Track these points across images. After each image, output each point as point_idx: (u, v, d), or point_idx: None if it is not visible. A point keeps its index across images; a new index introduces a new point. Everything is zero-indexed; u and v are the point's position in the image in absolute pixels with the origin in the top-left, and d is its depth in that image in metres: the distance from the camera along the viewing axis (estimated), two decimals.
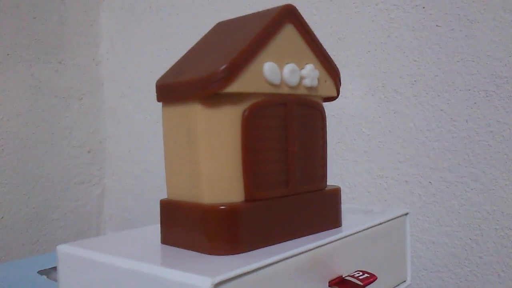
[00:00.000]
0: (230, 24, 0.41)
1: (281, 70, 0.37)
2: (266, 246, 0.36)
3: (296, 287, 0.35)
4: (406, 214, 0.50)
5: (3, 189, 0.90)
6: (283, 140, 0.38)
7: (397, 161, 0.67)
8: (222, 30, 0.41)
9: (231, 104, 0.35)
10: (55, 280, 0.57)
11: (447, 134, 0.64)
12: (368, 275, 0.40)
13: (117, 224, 1.06)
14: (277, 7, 0.38)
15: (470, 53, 0.62)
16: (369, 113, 0.70)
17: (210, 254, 0.35)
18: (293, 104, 0.39)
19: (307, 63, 0.40)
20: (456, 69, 0.63)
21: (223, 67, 0.34)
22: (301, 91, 0.39)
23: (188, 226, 0.36)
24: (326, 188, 0.42)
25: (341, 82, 0.68)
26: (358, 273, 0.40)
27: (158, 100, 0.38)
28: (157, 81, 0.38)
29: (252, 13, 0.41)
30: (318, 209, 0.41)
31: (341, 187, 0.71)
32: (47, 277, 0.61)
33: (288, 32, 0.38)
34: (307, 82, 0.39)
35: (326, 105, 0.44)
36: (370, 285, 0.39)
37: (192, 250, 0.36)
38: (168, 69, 0.41)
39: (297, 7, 0.75)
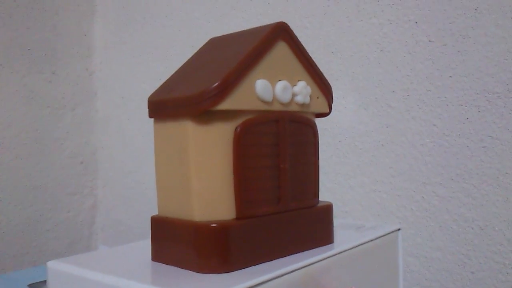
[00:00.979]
0: (223, 41, 0.42)
1: (273, 87, 0.38)
2: (257, 264, 0.36)
3: None
4: (398, 229, 0.50)
5: None
6: (275, 157, 0.38)
7: (390, 175, 0.68)
8: (215, 46, 0.41)
9: (223, 121, 0.35)
10: None
11: (440, 149, 0.64)
12: None
13: (109, 235, 1.05)
14: (270, 25, 0.38)
15: (462, 68, 0.62)
16: (362, 127, 0.70)
17: (200, 272, 0.35)
18: (285, 121, 0.39)
19: (299, 80, 0.40)
20: (448, 84, 0.63)
21: (215, 84, 0.34)
22: (293, 108, 0.39)
23: (179, 243, 0.36)
24: (318, 205, 0.42)
25: (334, 95, 0.68)
26: None
27: (150, 116, 0.38)
28: (149, 97, 0.38)
29: (245, 30, 0.41)
30: (310, 226, 0.41)
31: (334, 201, 0.71)
32: None
33: (281, 49, 0.38)
34: (299, 99, 0.39)
35: (319, 119, 0.44)
36: None
37: (182, 268, 0.36)
38: (160, 84, 0.41)
39: (291, 21, 0.75)
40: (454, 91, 0.63)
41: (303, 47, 0.40)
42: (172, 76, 0.40)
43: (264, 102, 0.37)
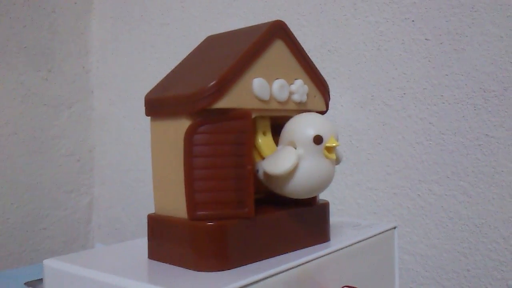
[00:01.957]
0: (220, 39, 0.42)
1: (270, 85, 0.38)
2: (254, 262, 0.36)
3: None
4: (395, 228, 0.50)
5: None
6: (239, 157, 0.37)
7: (386, 173, 0.68)
8: (212, 44, 0.41)
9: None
10: None
11: (436, 147, 0.64)
12: None
13: (105, 233, 1.05)
14: (267, 23, 0.38)
15: (458, 66, 0.62)
16: (358, 125, 0.70)
17: (197, 271, 0.35)
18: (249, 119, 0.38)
19: (296, 79, 0.40)
20: (445, 82, 0.63)
21: (212, 83, 0.34)
22: (290, 107, 0.39)
23: (176, 242, 0.36)
24: (315, 203, 0.42)
25: (331, 93, 0.68)
26: None
27: (147, 115, 0.38)
28: (146, 96, 0.38)
29: (242, 28, 0.41)
30: (307, 224, 0.41)
31: (330, 199, 0.71)
32: None
33: (278, 48, 0.38)
34: (296, 97, 0.39)
35: None
36: None
37: (179, 266, 0.36)
38: (157, 82, 0.41)
39: (288, 19, 0.75)
40: (450, 89, 0.63)
41: (300, 45, 0.40)
42: (169, 74, 0.40)
43: (261, 100, 0.37)
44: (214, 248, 0.34)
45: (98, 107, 1.06)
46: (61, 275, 0.37)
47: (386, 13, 0.67)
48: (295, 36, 0.40)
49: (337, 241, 0.43)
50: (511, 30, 0.59)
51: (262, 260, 0.37)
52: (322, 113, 0.44)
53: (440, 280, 0.64)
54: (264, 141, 0.40)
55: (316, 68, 0.42)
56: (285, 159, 0.36)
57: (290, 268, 0.36)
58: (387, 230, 0.48)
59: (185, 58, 0.42)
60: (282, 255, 0.38)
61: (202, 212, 0.35)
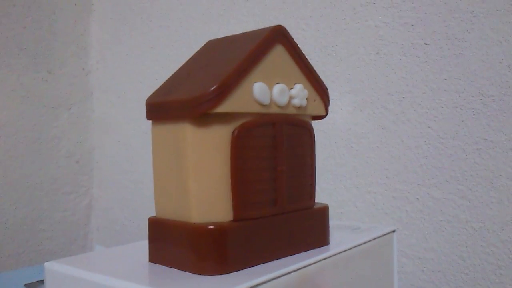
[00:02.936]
0: (221, 43, 0.42)
1: (270, 90, 0.38)
2: (254, 265, 0.36)
3: None
4: (394, 231, 0.50)
5: None
6: (272, 160, 0.38)
7: (385, 177, 0.68)
8: (213, 48, 0.42)
9: (221, 124, 0.35)
10: None
11: (435, 151, 0.64)
12: None
13: (104, 235, 1.05)
14: (268, 28, 0.39)
15: (457, 71, 0.62)
16: (357, 129, 0.70)
17: (198, 274, 0.35)
18: (282, 124, 0.39)
19: (296, 83, 0.40)
20: (443, 87, 0.63)
21: (213, 87, 0.34)
22: (290, 111, 0.40)
23: (176, 245, 0.36)
24: (314, 207, 0.42)
25: (330, 97, 0.69)
26: None
27: (148, 119, 0.38)
28: (147, 100, 0.38)
29: (243, 33, 0.41)
30: (306, 227, 0.41)
31: (329, 202, 0.71)
32: None
33: (278, 53, 0.39)
34: (296, 102, 0.40)
35: (315, 120, 0.44)
36: None
37: (180, 270, 0.36)
38: (157, 84, 0.41)
39: (288, 23, 0.76)
40: (449, 93, 0.63)
41: (301, 50, 0.41)
42: (170, 78, 0.41)
43: (262, 105, 0.37)
44: (214, 251, 0.35)
45: (98, 108, 1.06)
46: (62, 278, 0.38)
47: (386, 17, 0.67)
48: (295, 39, 0.40)
49: (336, 244, 0.43)
50: (510, 35, 0.59)
51: (262, 263, 0.37)
52: (322, 117, 0.44)
53: (438, 283, 0.64)
54: None
55: (316, 73, 0.42)
56: None
57: (290, 272, 0.36)
58: (386, 234, 0.49)
59: (185, 62, 0.42)
60: (282, 259, 0.38)
61: (247, 212, 0.36)
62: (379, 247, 0.48)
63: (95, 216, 1.06)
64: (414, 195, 0.66)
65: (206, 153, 0.35)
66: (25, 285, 0.62)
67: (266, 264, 0.37)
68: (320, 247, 0.42)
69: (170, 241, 0.37)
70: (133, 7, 0.99)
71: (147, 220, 0.39)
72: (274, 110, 0.38)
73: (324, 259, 0.40)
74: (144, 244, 0.41)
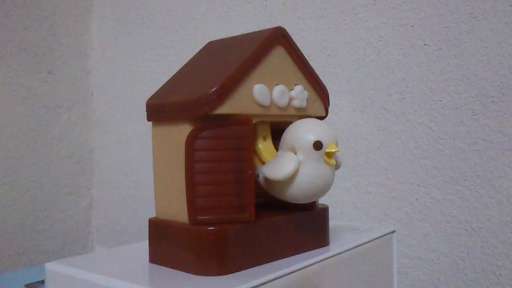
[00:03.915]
0: (221, 44, 0.42)
1: (270, 91, 0.38)
2: (254, 266, 0.37)
3: None
4: (393, 232, 0.50)
5: None
6: (239, 163, 0.37)
7: (385, 178, 0.68)
8: (213, 50, 0.42)
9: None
10: None
11: (434, 152, 0.64)
12: None
13: (104, 235, 1.05)
14: (268, 29, 0.39)
15: (457, 72, 0.62)
16: (357, 129, 0.70)
17: (197, 275, 0.35)
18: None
19: (296, 85, 0.40)
20: (443, 87, 0.63)
21: (214, 89, 0.34)
22: (290, 112, 0.40)
23: (176, 246, 0.36)
24: (314, 207, 0.43)
25: (330, 98, 0.69)
26: None
27: (149, 120, 0.38)
28: (148, 101, 0.39)
29: (243, 34, 0.41)
30: (306, 228, 0.41)
31: (329, 202, 0.71)
32: None
33: (278, 54, 0.39)
34: (296, 103, 0.40)
35: None
36: None
37: (180, 270, 0.36)
38: (157, 84, 0.41)
39: (288, 24, 0.76)
40: (449, 94, 0.63)
41: (301, 52, 0.41)
42: (170, 79, 0.41)
43: (262, 106, 0.37)
44: (214, 252, 0.35)
45: (98, 109, 1.06)
46: (63, 278, 0.38)
47: (386, 18, 0.68)
48: (295, 40, 0.40)
49: (336, 245, 0.43)
50: (510, 36, 0.59)
51: (262, 264, 0.37)
52: (322, 118, 0.44)
53: (438, 283, 0.64)
54: (264, 146, 0.40)
55: (316, 74, 0.42)
56: (285, 165, 0.37)
57: (290, 273, 0.36)
58: (385, 234, 0.49)
59: (186, 64, 0.42)
60: (282, 260, 0.38)
61: (203, 217, 0.35)
62: (379, 248, 0.48)
63: (95, 216, 1.07)
64: (414, 195, 0.66)
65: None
66: (26, 285, 0.62)
67: (266, 265, 0.37)
68: (320, 247, 0.42)
69: (170, 242, 0.37)
70: (133, 8, 0.99)
71: (148, 220, 0.39)
72: (274, 111, 0.38)
73: (324, 259, 0.40)
74: (145, 245, 0.42)
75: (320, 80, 0.42)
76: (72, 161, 1.02)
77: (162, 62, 0.94)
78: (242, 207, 0.36)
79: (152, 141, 0.39)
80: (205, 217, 0.35)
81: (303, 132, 0.38)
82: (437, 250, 0.65)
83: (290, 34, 0.40)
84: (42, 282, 0.58)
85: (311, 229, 0.42)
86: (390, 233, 0.50)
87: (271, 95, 0.38)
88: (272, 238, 0.38)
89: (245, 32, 0.42)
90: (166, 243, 0.37)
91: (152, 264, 0.38)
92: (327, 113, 0.44)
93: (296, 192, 0.38)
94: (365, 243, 0.45)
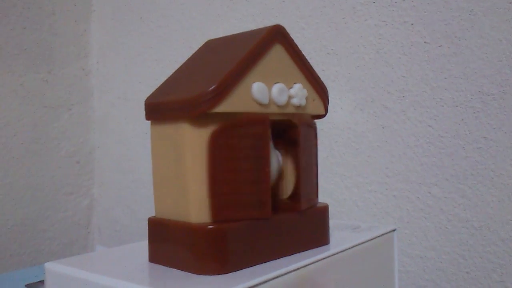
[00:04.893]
0: (219, 43, 0.42)
1: (269, 89, 0.38)
2: (254, 265, 0.36)
3: None
4: (394, 230, 0.50)
5: None
6: (258, 160, 0.37)
7: (386, 176, 0.68)
8: (211, 48, 0.42)
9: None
10: None
11: (435, 150, 0.64)
12: None
13: (105, 235, 1.05)
14: (266, 27, 0.39)
15: (457, 70, 0.62)
16: (358, 128, 0.70)
17: (197, 274, 0.35)
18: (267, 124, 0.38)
19: (295, 83, 0.40)
20: (443, 85, 0.63)
21: (212, 87, 0.34)
22: (290, 110, 0.40)
23: (176, 245, 0.36)
24: (315, 206, 0.42)
25: (330, 96, 0.69)
26: None
27: (147, 119, 0.38)
28: (146, 100, 0.38)
29: (241, 32, 0.41)
30: (306, 227, 0.41)
31: (330, 201, 0.71)
32: None
33: (277, 52, 0.39)
34: (295, 101, 0.40)
35: (315, 120, 0.44)
36: None
37: (180, 270, 0.36)
38: (157, 84, 0.41)
39: (287, 22, 0.75)
40: (449, 92, 0.63)
41: (299, 49, 0.40)
42: (168, 78, 0.41)
43: (261, 104, 0.37)
44: (214, 251, 0.35)
45: (98, 108, 1.06)
46: (63, 278, 0.38)
47: (385, 16, 0.67)
48: (294, 38, 0.40)
49: (336, 244, 0.43)
50: (510, 33, 0.59)
51: (262, 263, 0.37)
52: (321, 117, 0.44)
53: (439, 282, 0.64)
54: None
55: (315, 72, 0.42)
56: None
57: (290, 272, 0.36)
58: (386, 233, 0.49)
59: (184, 63, 0.42)
60: (282, 259, 0.38)
61: (224, 214, 0.35)
62: (379, 246, 0.48)
63: (96, 216, 1.06)
64: (415, 194, 0.66)
65: (205, 153, 0.35)
66: (26, 285, 0.62)
67: (266, 263, 0.37)
68: (320, 246, 0.42)
69: (169, 241, 0.37)
70: (132, 8, 0.99)
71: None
72: (273, 109, 0.38)
73: (325, 258, 0.40)
74: (144, 244, 0.41)
75: (320, 78, 0.42)
76: (73, 161, 1.02)
77: (162, 61, 0.94)
78: (260, 204, 0.37)
79: (151, 140, 0.39)
80: (226, 214, 0.36)
81: None
82: (438, 249, 0.64)
83: (289, 33, 0.40)
84: (43, 282, 0.58)
85: (311, 228, 0.41)
86: (391, 231, 0.49)
87: (270, 93, 0.38)
88: (272, 237, 0.38)
89: (244, 31, 0.42)
90: (166, 242, 0.37)
91: (152, 263, 0.38)
92: (327, 111, 0.44)
93: None
94: (366, 241, 0.45)
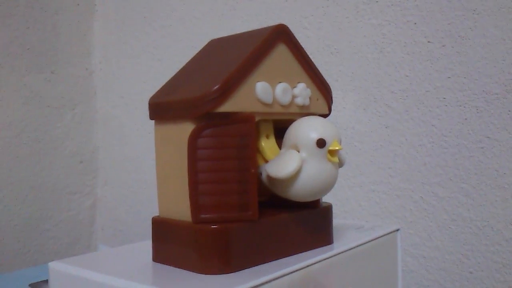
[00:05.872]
0: (223, 42, 0.42)
1: (273, 89, 0.38)
2: (257, 265, 0.36)
3: None
4: (397, 230, 0.50)
5: None
6: (243, 160, 0.37)
7: (389, 176, 0.68)
8: (215, 48, 0.42)
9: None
10: None
11: (438, 150, 0.64)
12: None
13: (109, 235, 1.05)
14: (270, 27, 0.39)
15: (461, 69, 0.62)
16: (361, 127, 0.70)
17: (201, 273, 0.35)
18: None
19: (299, 82, 0.40)
20: (447, 85, 0.63)
21: (216, 87, 0.34)
22: (293, 110, 0.40)
23: (180, 244, 0.36)
24: (318, 206, 0.42)
25: (334, 96, 0.69)
26: None
27: (151, 118, 0.38)
28: (150, 99, 0.38)
29: (245, 32, 0.41)
30: (310, 226, 0.41)
31: (333, 201, 0.71)
32: None
33: (280, 52, 0.39)
34: (299, 100, 0.40)
35: None
36: None
37: (183, 269, 0.36)
38: (160, 83, 0.41)
39: (290, 21, 0.75)
40: (453, 92, 0.63)
41: (303, 49, 0.40)
42: (172, 78, 0.41)
43: (265, 104, 0.37)
44: (217, 251, 0.35)
45: (101, 108, 1.06)
46: (66, 277, 0.38)
47: (389, 15, 0.67)
48: (298, 38, 0.40)
49: (340, 243, 0.43)
50: None
51: (266, 263, 0.37)
52: (325, 116, 0.44)
53: (443, 282, 0.64)
54: (267, 144, 0.40)
55: (319, 72, 0.42)
56: (288, 163, 0.36)
57: (293, 271, 0.36)
58: (390, 233, 0.49)
59: (188, 62, 0.42)
60: (285, 258, 0.38)
61: (206, 215, 0.35)
62: (383, 246, 0.48)
63: (99, 216, 1.07)
64: (418, 193, 0.66)
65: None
66: (30, 285, 0.62)
67: (269, 263, 0.37)
68: (324, 246, 0.42)
69: (173, 240, 0.37)
70: (136, 7, 0.99)
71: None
72: (277, 109, 0.38)
73: (328, 258, 0.40)
74: (148, 244, 0.41)
75: (323, 78, 0.42)
76: (76, 160, 1.02)
77: (165, 61, 0.94)
78: (246, 205, 0.36)
79: (155, 140, 0.39)
80: (208, 215, 0.35)
81: (306, 130, 0.37)
82: (441, 248, 0.64)
83: (292, 32, 0.40)
84: (47, 281, 0.58)
85: (314, 228, 0.41)
86: (394, 231, 0.49)
87: (273, 93, 0.38)
88: (275, 236, 0.38)
89: (247, 30, 0.42)
90: (169, 242, 0.37)
91: (156, 263, 0.38)
92: (330, 110, 0.44)
93: (299, 191, 0.38)
94: (369, 241, 0.45)
